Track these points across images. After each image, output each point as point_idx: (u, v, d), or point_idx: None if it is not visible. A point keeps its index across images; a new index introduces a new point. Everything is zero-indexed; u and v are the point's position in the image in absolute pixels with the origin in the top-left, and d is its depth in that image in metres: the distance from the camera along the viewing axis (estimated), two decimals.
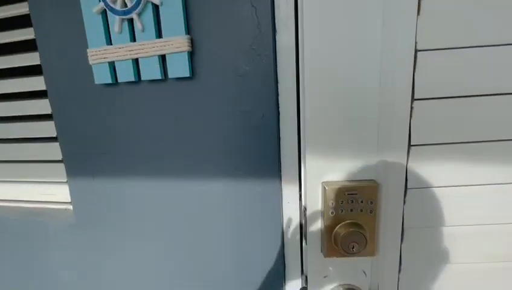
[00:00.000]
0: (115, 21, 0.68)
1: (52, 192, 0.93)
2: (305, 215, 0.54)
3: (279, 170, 0.70)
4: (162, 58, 0.69)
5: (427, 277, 0.54)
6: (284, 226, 0.73)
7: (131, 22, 0.68)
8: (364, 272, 0.55)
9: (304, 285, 0.59)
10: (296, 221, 0.73)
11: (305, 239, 0.55)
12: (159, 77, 0.70)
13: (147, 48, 0.67)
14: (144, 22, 0.66)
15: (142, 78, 0.71)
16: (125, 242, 0.87)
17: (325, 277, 0.55)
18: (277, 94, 0.67)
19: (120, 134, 0.79)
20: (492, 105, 0.46)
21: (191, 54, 0.68)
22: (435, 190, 0.49)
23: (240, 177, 0.72)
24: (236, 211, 0.75)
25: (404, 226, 0.50)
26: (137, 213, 0.83)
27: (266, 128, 0.68)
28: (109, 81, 0.73)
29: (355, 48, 0.49)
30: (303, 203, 0.57)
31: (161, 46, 0.66)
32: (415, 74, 0.45)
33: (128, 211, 0.84)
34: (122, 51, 0.69)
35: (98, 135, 0.81)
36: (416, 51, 0.45)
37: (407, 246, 0.51)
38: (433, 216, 0.50)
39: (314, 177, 0.52)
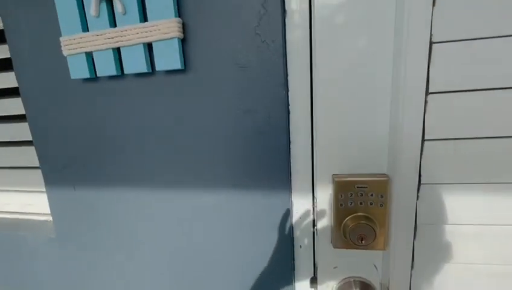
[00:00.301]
0: (91, 3, 0.56)
1: (30, 202, 0.83)
2: (315, 206, 0.53)
3: (289, 180, 0.59)
4: (149, 47, 0.58)
5: (441, 275, 0.53)
6: (295, 247, 0.62)
7: (110, 3, 0.56)
8: (375, 266, 0.54)
9: (314, 275, 0.58)
10: (309, 241, 0.61)
11: (316, 230, 0.55)
12: (145, 70, 0.58)
13: (130, 34, 0.56)
14: (125, 3, 0.55)
15: (126, 72, 0.60)
16: (111, 259, 0.76)
17: (335, 267, 0.56)
18: (287, 89, 0.55)
19: (103, 138, 0.68)
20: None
21: (183, 42, 0.57)
22: (450, 186, 0.47)
23: (243, 188, 0.61)
24: (237, 228, 0.64)
25: (418, 222, 0.49)
26: (125, 227, 0.72)
27: (273, 132, 0.56)
28: (87, 75, 0.62)
29: (368, 40, 0.47)
30: (314, 195, 0.56)
31: (146, 31, 0.55)
32: (430, 66, 0.43)
33: (114, 224, 0.73)
34: (100, 39, 0.58)
35: (79, 138, 0.70)
36: (431, 43, 0.42)
37: (420, 243, 0.50)
38: (448, 213, 0.48)
39: (324, 169, 0.52)
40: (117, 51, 0.59)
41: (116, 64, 0.60)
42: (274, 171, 0.58)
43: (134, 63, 0.58)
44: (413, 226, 0.50)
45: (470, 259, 0.51)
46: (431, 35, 0.43)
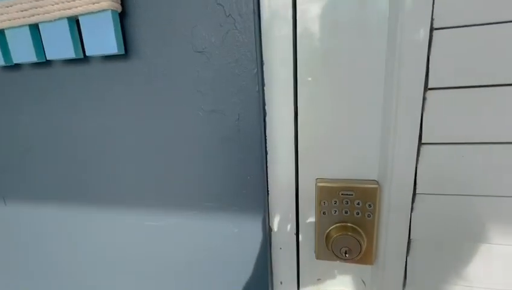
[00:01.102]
0: None
1: None
2: (297, 212, 0.47)
3: (266, 201, 0.45)
4: (76, 23, 0.43)
5: None
6: (273, 258, 0.49)
7: None
8: (363, 282, 0.49)
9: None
10: (292, 250, 0.49)
11: (298, 239, 0.48)
12: (73, 56, 0.43)
13: (48, 4, 0.41)
14: None
15: (49, 57, 0.45)
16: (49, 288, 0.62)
17: (318, 279, 0.50)
18: (262, 84, 0.41)
19: (35, 143, 0.53)
20: None
21: (122, 17, 0.42)
22: (450, 197, 0.40)
23: (207, 211, 0.47)
24: (202, 258, 0.51)
25: (412, 236, 0.43)
26: (64, 250, 0.58)
27: (244, 138, 0.42)
28: (1, 62, 0.46)
29: (360, 33, 0.38)
30: (298, 201, 0.47)
31: (69, 1, 0.40)
32: (430, 57, 0.35)
33: (51, 247, 0.59)
34: (12, 11, 0.43)
35: (4, 144, 0.55)
36: (432, 29, 0.34)
37: (414, 259, 0.44)
38: (447, 228, 0.41)
39: (307, 172, 0.45)
40: (35, 28, 0.44)
41: (36, 48, 0.45)
42: (246, 183, 0.45)
43: (58, 46, 0.43)
44: (407, 240, 0.43)
45: (470, 279, 0.43)
46: (432, 20, 0.34)
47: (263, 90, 0.42)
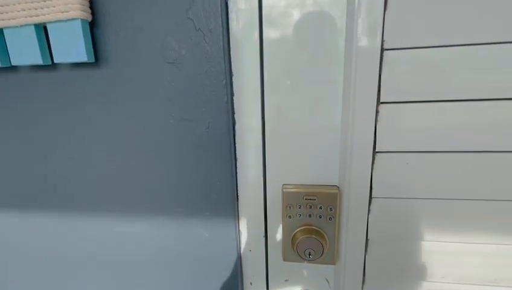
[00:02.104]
0: None
1: None
2: (266, 216, 0.49)
3: (235, 206, 0.47)
4: (44, 30, 0.42)
5: None
6: (243, 259, 0.51)
7: None
8: (327, 280, 0.52)
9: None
10: (261, 252, 0.51)
11: (266, 241, 0.51)
12: (40, 62, 0.43)
13: (14, 11, 0.40)
14: None
15: (14, 63, 0.44)
16: None
17: (286, 280, 0.53)
18: (231, 93, 0.43)
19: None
20: (464, 111, 0.40)
21: (92, 26, 0.42)
22: (403, 201, 0.44)
23: (178, 217, 0.49)
24: (172, 263, 0.52)
25: (369, 236, 0.47)
26: (31, 256, 0.57)
27: (214, 146, 0.44)
28: None
29: (319, 44, 0.41)
30: (266, 207, 0.50)
31: (36, 8, 0.40)
32: (382, 75, 0.39)
33: (13, 254, 0.57)
34: None
35: None
36: (382, 49, 0.38)
37: (372, 257, 0.48)
38: (401, 228, 0.46)
39: (274, 178, 0.47)
40: (1, 34, 0.43)
41: (1, 53, 0.44)
42: (216, 188, 0.46)
43: (25, 52, 0.43)
44: (365, 240, 0.47)
45: (423, 275, 0.48)
46: (382, 41, 0.38)
47: (232, 100, 0.44)
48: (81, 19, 0.40)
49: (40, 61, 0.43)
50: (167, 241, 0.51)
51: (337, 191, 0.44)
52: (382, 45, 0.38)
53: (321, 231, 0.46)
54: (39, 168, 0.51)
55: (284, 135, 0.45)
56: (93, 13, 0.41)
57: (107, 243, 0.53)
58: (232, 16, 0.41)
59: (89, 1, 0.41)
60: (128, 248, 0.53)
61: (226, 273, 0.51)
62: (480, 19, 0.36)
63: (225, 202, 0.47)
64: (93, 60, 0.43)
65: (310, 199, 0.45)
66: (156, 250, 0.52)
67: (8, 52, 0.44)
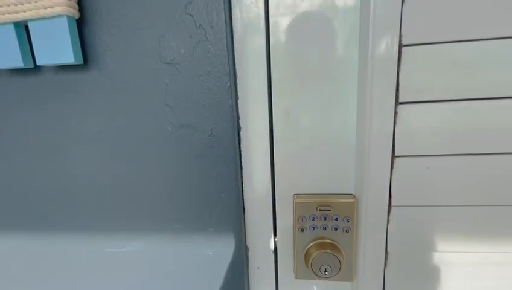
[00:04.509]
0: None
1: None
2: (275, 230, 0.45)
3: (241, 219, 0.43)
4: (25, 28, 0.38)
5: None
6: (250, 276, 0.47)
7: None
8: None
9: None
10: (270, 270, 0.46)
11: (276, 258, 0.47)
12: (21, 65, 0.38)
13: None
14: None
15: None
16: None
17: None
18: (235, 97, 0.39)
19: None
20: (490, 110, 0.36)
21: (80, 24, 0.38)
22: (424, 209, 0.41)
23: (177, 234, 0.44)
24: (170, 286, 0.47)
25: (388, 249, 0.43)
26: (19, 280, 0.51)
27: (217, 154, 0.40)
28: None
29: (333, 43, 0.38)
30: (275, 219, 0.46)
31: (16, 4, 0.35)
32: (400, 73, 0.36)
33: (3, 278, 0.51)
34: None
35: None
36: (400, 45, 0.35)
37: (392, 272, 0.44)
38: (422, 239, 0.42)
39: (284, 188, 0.44)
40: None
41: None
42: (220, 201, 0.42)
43: (3, 54, 0.38)
44: (384, 254, 0.43)
45: (446, 288, 0.44)
46: (400, 36, 0.35)
47: (237, 104, 0.40)
48: (68, 16, 0.36)
49: (20, 64, 0.38)
50: (164, 262, 0.46)
51: (354, 200, 0.41)
52: (400, 40, 0.35)
53: (337, 244, 0.42)
54: (20, 183, 0.45)
55: (293, 141, 0.41)
56: (81, 10, 0.37)
57: (97, 264, 0.48)
58: (235, 11, 0.37)
59: None
60: (120, 270, 0.47)
61: None
62: (507, 10, 0.33)
63: (230, 216, 0.42)
64: (81, 62, 0.38)
65: (325, 210, 0.41)
66: (152, 272, 0.47)
67: None
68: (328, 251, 0.41)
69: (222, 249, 0.44)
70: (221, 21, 0.36)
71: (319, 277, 0.42)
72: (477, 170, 0.38)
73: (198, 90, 0.38)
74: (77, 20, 0.37)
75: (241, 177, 0.42)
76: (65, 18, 0.36)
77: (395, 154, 0.39)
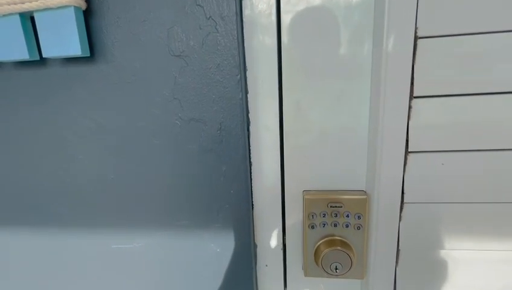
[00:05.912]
0: None
1: None
2: (284, 226, 0.44)
3: (250, 216, 0.42)
4: (31, 20, 0.37)
5: None
6: (258, 273, 0.46)
7: None
8: None
9: None
10: (279, 267, 0.46)
11: (285, 255, 0.46)
12: (27, 57, 0.38)
13: None
14: None
15: (0, 59, 0.39)
16: None
17: None
18: (245, 91, 0.38)
19: None
20: (507, 104, 0.35)
21: (87, 15, 0.37)
22: (438, 206, 0.40)
23: (183, 230, 0.43)
24: (177, 283, 0.46)
25: (400, 246, 0.42)
26: (25, 276, 0.50)
27: (226, 148, 0.39)
28: None
29: (346, 38, 0.37)
30: (284, 215, 0.45)
31: None
32: (415, 66, 0.35)
33: (8, 274, 0.50)
34: None
35: None
36: (416, 38, 0.34)
37: (403, 270, 0.43)
38: (435, 237, 0.41)
39: (294, 183, 0.43)
40: None
41: None
42: (229, 197, 0.41)
43: (9, 46, 0.37)
44: (395, 251, 0.42)
45: (460, 288, 0.43)
46: (416, 28, 0.34)
47: (246, 97, 0.39)
48: (75, 7, 0.35)
49: (26, 56, 0.38)
50: (171, 259, 0.45)
51: (365, 196, 0.40)
52: (415, 32, 0.34)
53: (347, 241, 0.41)
54: (25, 177, 0.45)
55: (304, 136, 0.40)
56: (88, 0, 0.37)
57: (103, 261, 0.47)
58: (246, 2, 0.36)
59: None
60: (126, 267, 0.47)
61: None
62: None
63: (239, 212, 0.42)
64: (88, 54, 0.38)
65: (336, 207, 0.40)
66: (159, 269, 0.46)
67: None
68: (339, 248, 0.40)
69: (230, 246, 0.43)
70: (232, 12, 0.35)
71: (329, 275, 0.41)
72: (493, 166, 0.37)
73: (207, 83, 0.37)
74: (84, 12, 0.37)
75: (250, 173, 0.42)
76: (72, 9, 0.35)
77: (409, 150, 0.38)
